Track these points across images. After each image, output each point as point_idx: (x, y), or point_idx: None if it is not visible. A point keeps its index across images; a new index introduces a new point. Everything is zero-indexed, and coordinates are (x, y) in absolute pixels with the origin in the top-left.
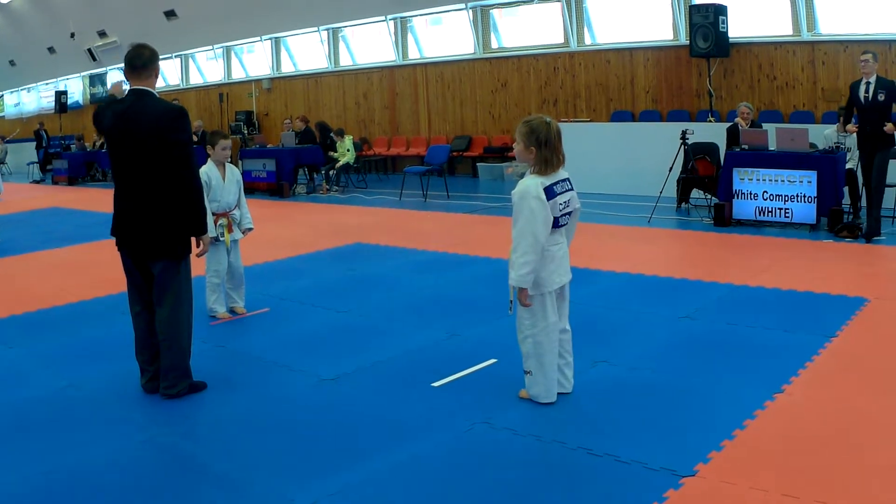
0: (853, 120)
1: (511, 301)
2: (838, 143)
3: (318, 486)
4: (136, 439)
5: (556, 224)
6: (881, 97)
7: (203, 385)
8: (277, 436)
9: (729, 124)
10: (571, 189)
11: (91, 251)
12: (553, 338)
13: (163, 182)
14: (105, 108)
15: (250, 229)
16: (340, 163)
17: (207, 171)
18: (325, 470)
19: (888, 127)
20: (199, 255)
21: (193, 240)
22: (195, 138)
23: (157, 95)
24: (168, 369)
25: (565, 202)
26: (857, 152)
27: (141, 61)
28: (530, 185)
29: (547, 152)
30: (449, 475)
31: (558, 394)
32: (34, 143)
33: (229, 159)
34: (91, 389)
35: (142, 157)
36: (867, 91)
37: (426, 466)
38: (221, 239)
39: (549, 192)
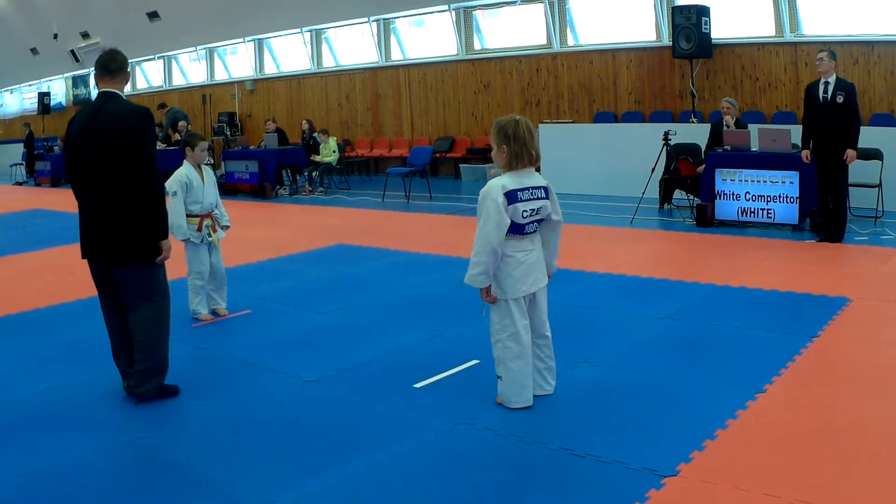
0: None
1: (484, 304)
2: None
3: (299, 487)
4: (117, 442)
5: (522, 231)
6: (840, 99)
7: (175, 389)
8: (259, 437)
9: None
10: (545, 198)
11: (72, 253)
12: (522, 343)
13: (125, 183)
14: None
15: (228, 227)
16: (323, 164)
17: (186, 172)
18: (307, 471)
19: (849, 157)
20: (158, 262)
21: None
22: (178, 137)
23: (125, 98)
24: (138, 370)
25: (532, 210)
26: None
27: (116, 65)
28: (492, 187)
29: (516, 147)
30: (430, 476)
31: (539, 396)
32: (19, 145)
33: (207, 161)
34: (71, 392)
35: (105, 157)
36: (825, 91)
37: (408, 467)
38: (209, 239)
39: (511, 197)
